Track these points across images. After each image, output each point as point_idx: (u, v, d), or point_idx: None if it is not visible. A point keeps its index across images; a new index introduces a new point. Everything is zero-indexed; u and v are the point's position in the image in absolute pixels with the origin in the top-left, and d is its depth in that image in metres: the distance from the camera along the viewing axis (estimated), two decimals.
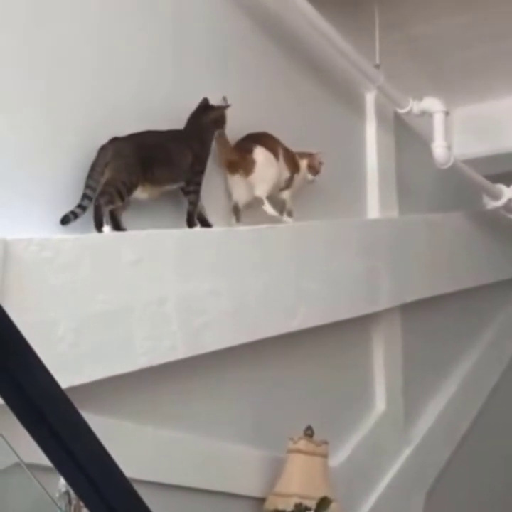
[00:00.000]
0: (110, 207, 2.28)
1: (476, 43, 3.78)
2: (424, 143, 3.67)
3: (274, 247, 2.81)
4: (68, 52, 2.32)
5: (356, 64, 3.37)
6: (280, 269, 2.81)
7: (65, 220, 2.17)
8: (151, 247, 2.38)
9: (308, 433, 2.67)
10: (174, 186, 2.51)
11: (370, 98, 3.62)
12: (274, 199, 2.83)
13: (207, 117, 2.58)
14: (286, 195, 2.89)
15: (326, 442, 2.69)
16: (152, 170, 2.39)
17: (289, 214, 2.89)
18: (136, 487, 1.15)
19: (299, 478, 2.60)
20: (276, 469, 2.68)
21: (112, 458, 1.07)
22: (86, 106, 2.32)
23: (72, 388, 1.80)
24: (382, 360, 3.44)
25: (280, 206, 2.87)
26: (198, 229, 2.56)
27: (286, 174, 2.86)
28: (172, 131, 2.50)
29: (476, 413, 4.09)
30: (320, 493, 2.54)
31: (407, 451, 3.51)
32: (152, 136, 2.42)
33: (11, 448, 1.00)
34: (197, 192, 2.53)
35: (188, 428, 2.45)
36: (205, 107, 2.59)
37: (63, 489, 1.80)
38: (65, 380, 1.06)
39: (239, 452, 2.63)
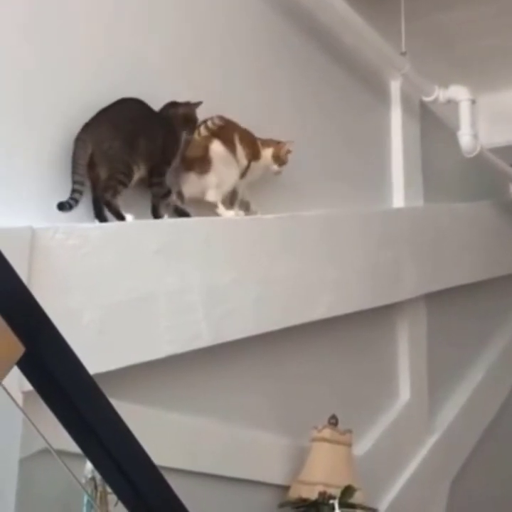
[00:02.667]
0: (118, 197, 2.25)
1: (502, 30, 3.74)
2: (450, 131, 3.65)
3: (297, 236, 2.81)
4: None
5: (382, 52, 3.35)
6: (303, 257, 2.80)
7: (61, 207, 2.12)
8: (176, 235, 2.38)
9: (333, 422, 2.67)
10: (146, 166, 2.34)
11: (395, 86, 3.60)
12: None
13: (176, 110, 2.44)
14: (239, 184, 2.61)
15: (350, 431, 2.69)
16: (138, 142, 2.29)
17: (246, 207, 2.68)
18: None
19: (323, 467, 2.61)
20: (300, 458, 2.68)
21: (140, 444, 1.07)
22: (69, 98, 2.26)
23: (98, 375, 1.82)
24: (406, 349, 3.43)
25: (232, 197, 2.63)
26: (222, 217, 2.56)
27: (243, 162, 2.59)
28: (146, 105, 2.36)
29: (501, 402, 4.07)
30: (344, 482, 2.54)
31: (431, 440, 3.50)
32: (124, 109, 2.29)
33: (40, 433, 1.01)
34: (161, 184, 2.40)
35: (213, 416, 2.46)
36: (173, 103, 2.46)
37: (89, 475, 1.82)
38: (91, 367, 1.06)
39: (263, 440, 2.64)
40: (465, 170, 3.96)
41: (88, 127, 2.21)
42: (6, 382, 0.94)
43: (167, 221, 2.40)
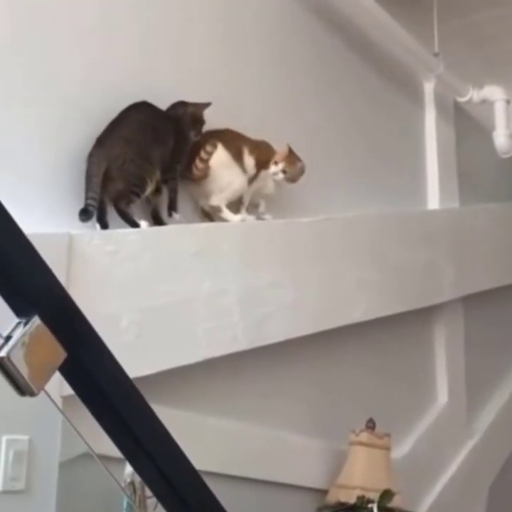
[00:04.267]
0: (131, 206, 2.25)
1: None
2: (484, 132, 3.62)
3: (334, 239, 2.80)
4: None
5: (415, 53, 3.33)
6: (341, 260, 2.79)
7: (85, 213, 2.11)
8: (212, 239, 2.39)
9: (370, 425, 2.66)
10: (159, 171, 2.33)
11: (429, 87, 3.58)
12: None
13: (185, 110, 2.41)
14: (246, 191, 2.55)
15: (388, 435, 2.67)
16: (151, 151, 2.29)
17: (260, 211, 2.62)
18: None
19: (362, 471, 2.59)
20: (338, 461, 2.67)
21: (180, 448, 1.08)
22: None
23: (136, 379, 1.82)
24: (444, 352, 3.41)
25: (237, 203, 2.57)
26: (258, 221, 2.56)
27: (252, 171, 2.54)
28: (154, 108, 2.33)
29: None
30: (383, 486, 2.53)
31: (470, 444, 3.47)
32: (134, 119, 2.28)
33: (82, 438, 1.02)
34: (175, 178, 2.39)
35: (250, 419, 2.46)
36: (182, 102, 2.43)
37: (128, 479, 1.83)
38: (129, 372, 1.07)
39: (301, 444, 2.63)
40: (500, 170, 3.93)
41: (101, 143, 2.20)
42: (46, 387, 0.95)
43: (204, 225, 2.41)
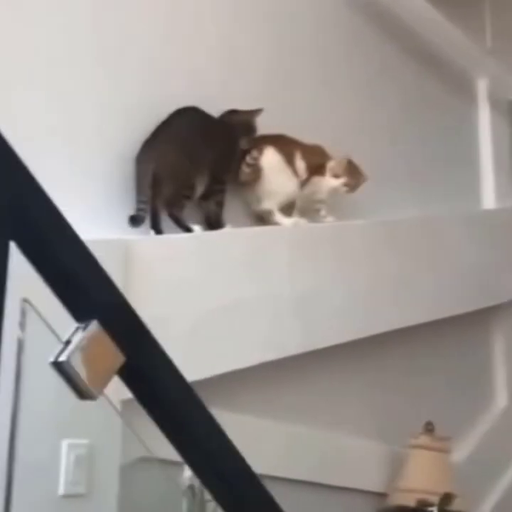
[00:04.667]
0: (184, 211, 2.24)
1: None
2: None
3: (387, 241, 2.77)
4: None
5: (466, 50, 3.29)
6: (394, 263, 2.77)
7: (135, 220, 2.12)
8: (263, 243, 2.39)
9: (429, 428, 2.63)
10: (206, 175, 2.32)
11: (482, 85, 3.52)
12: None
13: (236, 117, 2.40)
14: (298, 196, 2.54)
15: (447, 438, 2.64)
16: (199, 154, 2.28)
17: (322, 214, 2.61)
18: None
19: (421, 474, 2.57)
20: (397, 465, 2.65)
21: (239, 451, 1.08)
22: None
23: (192, 383, 1.83)
24: (503, 354, 3.35)
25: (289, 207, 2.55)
26: (309, 224, 2.56)
27: (303, 175, 2.53)
28: (204, 113, 2.33)
29: None
30: (443, 489, 2.50)
31: None
32: (182, 121, 2.27)
33: (141, 441, 1.03)
34: (223, 192, 2.37)
35: (307, 423, 2.45)
36: (233, 110, 2.42)
37: (187, 483, 1.84)
38: (185, 375, 1.08)
39: (359, 447, 2.62)
40: None
41: (149, 146, 2.20)
42: (105, 391, 0.96)
43: (256, 229, 2.41)
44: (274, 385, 2.38)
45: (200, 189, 2.29)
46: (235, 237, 2.34)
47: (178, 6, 2.39)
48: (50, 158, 1.96)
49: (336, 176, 2.57)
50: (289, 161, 2.49)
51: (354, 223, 2.69)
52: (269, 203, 2.46)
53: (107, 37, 2.20)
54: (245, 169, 2.42)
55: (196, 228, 2.22)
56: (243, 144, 2.40)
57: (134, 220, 2.11)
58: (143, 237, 2.09)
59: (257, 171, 2.43)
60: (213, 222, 2.35)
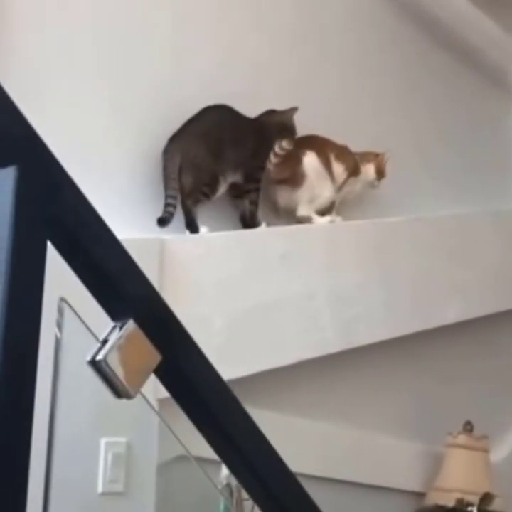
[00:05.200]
0: (197, 207, 2.23)
1: None
2: None
3: (424, 238, 2.75)
4: None
5: (502, 46, 3.24)
6: (432, 260, 2.74)
7: (161, 222, 2.13)
8: (301, 240, 2.39)
9: (468, 428, 2.60)
10: (237, 174, 2.32)
11: None
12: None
13: (272, 117, 2.39)
14: (335, 198, 2.55)
15: (486, 437, 2.61)
16: (225, 150, 2.28)
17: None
18: None
19: (460, 473, 2.54)
20: (435, 464, 2.63)
21: (275, 450, 1.07)
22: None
23: (228, 381, 1.83)
24: None
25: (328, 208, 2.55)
26: (346, 222, 2.54)
27: (341, 178, 2.53)
28: (234, 111, 2.33)
29: None
30: (482, 489, 2.47)
31: None
32: (210, 117, 2.27)
33: (178, 440, 1.03)
34: (258, 190, 2.37)
35: (344, 421, 2.44)
36: (271, 111, 2.42)
37: (225, 481, 1.84)
38: (222, 374, 1.08)
39: (398, 446, 2.60)
40: None
41: (175, 138, 2.21)
42: (142, 389, 0.96)
43: (291, 227, 2.41)
44: (311, 384, 2.38)
45: (223, 187, 2.28)
46: (271, 236, 2.34)
47: (210, 13, 2.39)
48: (74, 159, 1.98)
49: (380, 172, 2.58)
50: (327, 165, 2.49)
51: (389, 220, 2.67)
52: (306, 210, 2.45)
53: (128, 35, 2.21)
54: (273, 159, 2.39)
55: (203, 230, 2.19)
56: (285, 144, 2.37)
57: (162, 221, 2.12)
58: (178, 235, 2.09)
59: (300, 175, 2.42)
60: (248, 221, 2.35)
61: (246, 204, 2.36)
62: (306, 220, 2.47)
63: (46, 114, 1.90)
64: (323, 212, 2.51)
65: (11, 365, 0.79)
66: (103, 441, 1.80)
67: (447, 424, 2.63)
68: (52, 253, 0.86)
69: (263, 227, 2.34)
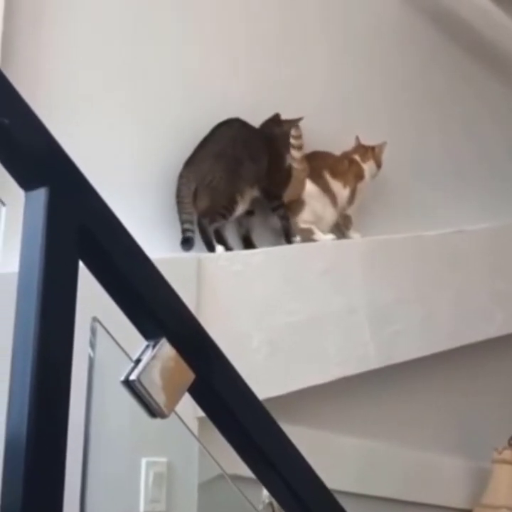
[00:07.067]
0: (215, 226, 2.20)
1: None
2: None
3: (462, 251, 2.72)
4: None
5: None
6: (472, 273, 2.71)
7: (185, 244, 2.11)
8: (340, 256, 2.37)
9: None
10: (254, 189, 2.29)
11: None
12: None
13: (280, 129, 2.33)
14: (350, 211, 2.52)
15: None
16: (242, 168, 2.24)
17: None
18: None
19: (507, 490, 2.50)
20: (481, 480, 2.58)
21: (312, 468, 1.06)
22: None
23: (268, 399, 1.83)
24: None
25: (346, 222, 2.54)
26: (385, 236, 2.52)
27: (346, 191, 2.50)
28: (247, 125, 2.29)
29: None
30: None
31: None
32: (224, 135, 2.23)
33: (214, 459, 1.02)
34: (282, 206, 2.34)
35: (385, 438, 2.42)
36: (275, 119, 2.36)
37: (267, 500, 1.82)
38: (261, 392, 1.07)
39: (442, 463, 2.56)
40: None
41: (190, 162, 2.18)
42: (181, 408, 0.96)
43: (330, 243, 2.40)
44: (352, 400, 2.35)
45: (242, 206, 2.24)
46: (309, 251, 2.33)
47: (227, 24, 2.40)
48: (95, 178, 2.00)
49: (379, 164, 2.55)
50: (325, 188, 2.46)
51: (428, 234, 2.64)
52: (310, 225, 2.42)
53: (146, 55, 2.23)
54: (295, 154, 2.34)
55: (219, 248, 2.16)
56: (294, 132, 2.31)
57: (186, 243, 2.10)
58: (215, 253, 2.10)
59: (301, 203, 2.40)
60: (284, 236, 2.34)
61: (277, 221, 2.35)
62: (308, 239, 2.42)
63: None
64: (346, 228, 2.51)
65: (45, 386, 0.80)
66: (144, 461, 1.79)
67: (492, 440, 2.58)
68: (83, 273, 0.86)
69: (298, 244, 2.33)
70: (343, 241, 2.46)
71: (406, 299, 2.48)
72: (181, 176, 2.17)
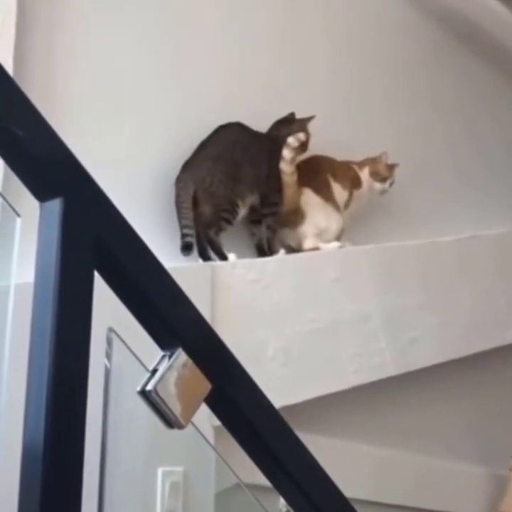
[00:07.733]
0: (221, 235, 2.16)
1: None
2: None
3: (478, 257, 2.70)
4: None
5: None
6: (489, 279, 2.69)
7: (185, 249, 2.08)
8: (354, 263, 2.37)
9: None
10: (254, 195, 2.24)
11: None
12: None
13: (284, 131, 2.26)
14: (345, 216, 2.45)
15: None
16: (241, 172, 2.18)
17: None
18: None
19: None
20: (497, 487, 2.56)
21: (329, 477, 1.06)
22: None
23: (284, 407, 1.82)
24: None
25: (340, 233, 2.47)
26: (398, 243, 2.51)
27: (345, 194, 2.45)
28: (247, 129, 2.25)
29: None
30: None
31: None
32: (222, 138, 2.19)
33: (230, 468, 1.02)
34: (275, 214, 2.27)
35: (401, 446, 2.40)
36: (281, 122, 2.31)
37: (284, 509, 1.82)
38: (277, 400, 1.06)
39: (458, 470, 2.55)
40: None
41: (188, 166, 2.14)
42: (197, 417, 0.95)
43: (344, 249, 2.39)
44: (368, 408, 2.34)
45: (243, 210, 2.20)
46: (323, 259, 2.32)
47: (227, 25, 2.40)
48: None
49: (383, 179, 2.50)
50: (328, 195, 2.41)
51: (442, 240, 2.63)
52: (313, 243, 2.35)
53: (146, 57, 2.23)
54: (287, 154, 2.25)
55: (231, 256, 2.13)
56: (302, 136, 2.25)
57: (185, 249, 2.07)
58: (229, 261, 2.09)
59: (300, 214, 2.34)
60: (266, 248, 2.28)
61: (263, 230, 2.29)
62: (313, 250, 2.37)
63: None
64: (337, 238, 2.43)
65: (61, 396, 0.79)
66: (160, 471, 1.79)
67: (509, 447, 2.57)
68: (98, 283, 0.86)
69: (313, 252, 2.31)
70: (357, 248, 2.44)
71: (422, 305, 2.47)
72: (179, 180, 2.12)
